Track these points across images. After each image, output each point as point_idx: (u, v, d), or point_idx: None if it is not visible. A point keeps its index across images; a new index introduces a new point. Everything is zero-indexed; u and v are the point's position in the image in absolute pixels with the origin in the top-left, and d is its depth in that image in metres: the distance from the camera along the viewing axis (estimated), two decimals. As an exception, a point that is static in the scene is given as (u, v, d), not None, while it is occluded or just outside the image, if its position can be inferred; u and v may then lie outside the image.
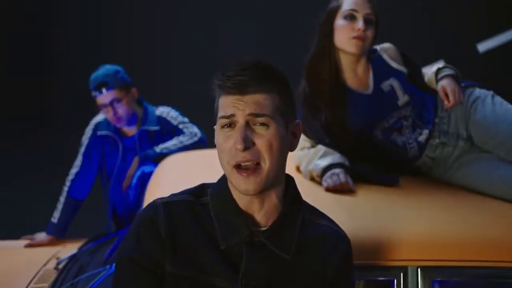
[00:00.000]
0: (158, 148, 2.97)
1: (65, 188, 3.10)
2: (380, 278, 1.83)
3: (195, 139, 3.03)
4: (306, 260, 1.46)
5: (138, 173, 2.92)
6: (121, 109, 2.99)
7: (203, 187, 1.51)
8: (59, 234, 3.06)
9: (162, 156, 2.84)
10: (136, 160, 2.99)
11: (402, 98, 2.33)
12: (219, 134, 1.42)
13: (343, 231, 1.55)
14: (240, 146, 1.37)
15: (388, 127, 2.32)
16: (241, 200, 1.45)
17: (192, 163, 2.64)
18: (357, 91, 2.34)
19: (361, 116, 2.31)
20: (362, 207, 2.03)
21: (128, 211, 3.09)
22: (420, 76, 2.43)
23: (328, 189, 2.14)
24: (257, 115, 1.38)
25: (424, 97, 2.38)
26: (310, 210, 1.54)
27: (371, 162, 2.30)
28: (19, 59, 5.90)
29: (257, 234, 1.43)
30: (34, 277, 2.60)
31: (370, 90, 2.34)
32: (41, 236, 3.05)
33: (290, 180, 1.52)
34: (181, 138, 3.03)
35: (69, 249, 2.96)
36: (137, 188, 2.95)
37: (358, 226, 1.89)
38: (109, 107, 2.98)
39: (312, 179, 2.26)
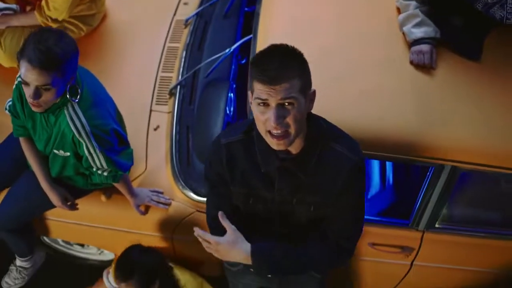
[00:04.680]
0: None
1: None
2: (421, 165, 2.43)
3: None
4: (319, 178, 2.02)
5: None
6: None
7: (252, 122, 2.01)
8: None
9: None
10: None
11: None
12: (256, 109, 1.87)
13: (353, 153, 2.01)
14: (274, 125, 1.84)
15: (491, 2, 2.44)
16: None
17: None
18: None
19: None
20: (432, 98, 2.40)
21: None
22: None
23: (411, 63, 2.49)
24: (285, 99, 1.83)
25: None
26: (332, 136, 2.02)
27: (462, 26, 2.53)
28: None
29: (287, 160, 2.00)
30: (169, 31, 3.17)
31: None
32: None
33: (312, 119, 1.98)
34: None
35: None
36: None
37: (419, 121, 2.35)
38: None
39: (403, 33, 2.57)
